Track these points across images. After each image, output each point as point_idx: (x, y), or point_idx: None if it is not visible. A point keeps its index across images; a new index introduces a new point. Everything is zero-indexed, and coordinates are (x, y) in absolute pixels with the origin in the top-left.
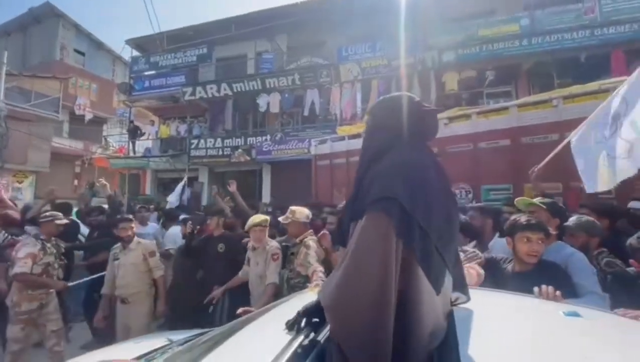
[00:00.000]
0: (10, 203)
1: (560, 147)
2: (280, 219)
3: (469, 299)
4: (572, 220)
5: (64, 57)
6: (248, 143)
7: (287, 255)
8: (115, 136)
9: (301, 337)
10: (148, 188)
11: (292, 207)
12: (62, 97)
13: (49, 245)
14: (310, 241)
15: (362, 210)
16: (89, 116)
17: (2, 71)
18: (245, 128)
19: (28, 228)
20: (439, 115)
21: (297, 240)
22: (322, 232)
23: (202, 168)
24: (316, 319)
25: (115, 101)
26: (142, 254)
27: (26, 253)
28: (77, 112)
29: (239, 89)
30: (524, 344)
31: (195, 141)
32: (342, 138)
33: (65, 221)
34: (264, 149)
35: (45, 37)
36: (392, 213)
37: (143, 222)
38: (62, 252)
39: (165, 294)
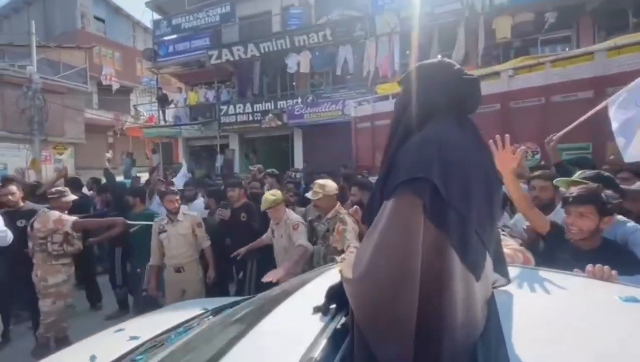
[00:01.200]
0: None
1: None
2: (308, 195)
3: (508, 281)
4: (637, 185)
5: (85, 25)
6: (279, 107)
7: (317, 230)
8: (145, 105)
9: (332, 324)
10: (180, 156)
11: (320, 181)
12: (88, 67)
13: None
14: (346, 216)
15: (391, 189)
16: (115, 86)
17: (33, 42)
18: (274, 91)
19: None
20: (503, 67)
21: (330, 215)
22: (354, 208)
23: (233, 135)
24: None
25: (139, 69)
26: (190, 225)
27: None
28: (104, 82)
29: (266, 49)
30: (572, 337)
31: (224, 107)
32: (385, 97)
33: (73, 198)
34: (296, 113)
35: (65, 5)
36: (423, 195)
37: (190, 198)
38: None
39: (213, 262)
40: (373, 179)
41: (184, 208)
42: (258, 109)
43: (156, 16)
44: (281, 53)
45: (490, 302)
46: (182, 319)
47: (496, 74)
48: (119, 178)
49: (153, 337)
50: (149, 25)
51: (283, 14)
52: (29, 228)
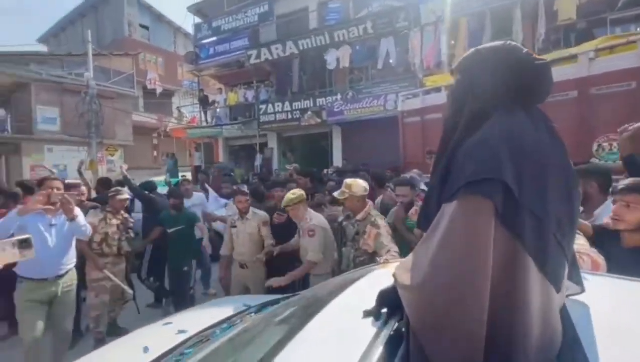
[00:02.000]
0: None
1: None
2: (335, 194)
3: (583, 290)
4: None
5: (132, 33)
6: (317, 104)
7: (346, 231)
8: (187, 107)
9: (385, 330)
10: (221, 156)
11: (348, 180)
12: (135, 73)
13: (110, 216)
14: (378, 218)
15: (453, 191)
16: (159, 90)
17: (89, 51)
18: (313, 89)
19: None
20: (580, 48)
21: (359, 217)
22: (414, 208)
23: (271, 134)
24: (394, 306)
25: (180, 73)
26: (257, 224)
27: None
28: (149, 86)
29: (305, 46)
30: None
31: (263, 106)
32: (437, 89)
33: (126, 196)
34: (335, 110)
35: (114, 15)
36: (494, 197)
37: (187, 194)
38: (129, 226)
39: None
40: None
41: (199, 203)
42: (297, 107)
43: (197, 20)
44: (320, 49)
45: (564, 314)
46: (225, 315)
47: (572, 57)
48: (160, 178)
49: (199, 332)
50: (190, 29)
51: (320, 10)
52: None
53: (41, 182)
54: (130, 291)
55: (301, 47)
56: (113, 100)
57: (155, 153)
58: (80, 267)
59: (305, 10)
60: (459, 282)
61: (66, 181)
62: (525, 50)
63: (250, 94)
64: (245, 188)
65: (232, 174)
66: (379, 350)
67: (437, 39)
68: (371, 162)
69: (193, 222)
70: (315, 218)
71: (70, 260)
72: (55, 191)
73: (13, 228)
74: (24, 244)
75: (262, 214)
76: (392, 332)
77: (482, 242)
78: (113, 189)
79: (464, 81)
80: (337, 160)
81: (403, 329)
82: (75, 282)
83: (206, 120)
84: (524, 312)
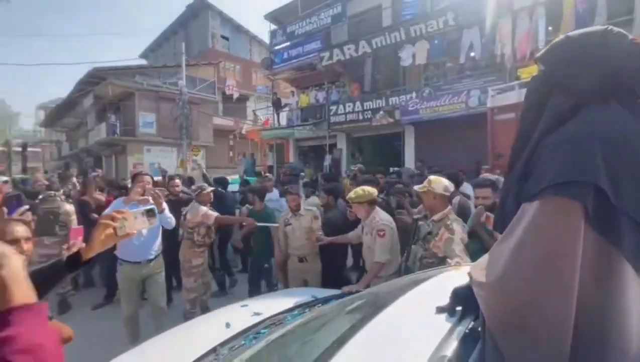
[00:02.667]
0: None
1: None
2: (416, 187)
3: None
4: None
5: (214, 44)
6: (390, 104)
7: (420, 230)
8: (262, 110)
9: (460, 327)
10: (291, 156)
11: (432, 176)
12: (216, 80)
13: (206, 209)
14: (455, 224)
15: (536, 191)
16: (236, 95)
17: (183, 61)
18: (385, 88)
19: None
20: None
21: (436, 217)
22: (484, 214)
23: (340, 134)
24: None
25: (254, 78)
26: (310, 218)
27: (193, 215)
28: (227, 92)
29: (378, 44)
30: None
31: (333, 107)
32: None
33: (211, 189)
34: (409, 108)
35: (200, 29)
36: (584, 199)
37: (269, 189)
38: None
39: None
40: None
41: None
42: (368, 107)
43: (273, 27)
44: (394, 47)
45: None
46: (294, 304)
47: None
48: (234, 176)
49: (273, 316)
50: (265, 36)
51: (395, 6)
52: (182, 217)
53: (134, 177)
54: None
55: (374, 46)
56: (198, 106)
57: (231, 153)
58: (173, 254)
59: (378, 8)
60: (541, 284)
61: (155, 178)
62: (630, 37)
63: (321, 96)
64: (295, 188)
65: (302, 173)
66: (452, 347)
67: (534, 25)
68: (447, 163)
69: (272, 221)
70: (383, 218)
71: (158, 247)
72: (146, 184)
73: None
74: (150, 213)
75: (314, 209)
76: (467, 331)
77: (568, 245)
78: (197, 186)
79: (549, 72)
80: (410, 161)
81: (479, 329)
82: (163, 267)
83: (278, 122)
84: (620, 323)
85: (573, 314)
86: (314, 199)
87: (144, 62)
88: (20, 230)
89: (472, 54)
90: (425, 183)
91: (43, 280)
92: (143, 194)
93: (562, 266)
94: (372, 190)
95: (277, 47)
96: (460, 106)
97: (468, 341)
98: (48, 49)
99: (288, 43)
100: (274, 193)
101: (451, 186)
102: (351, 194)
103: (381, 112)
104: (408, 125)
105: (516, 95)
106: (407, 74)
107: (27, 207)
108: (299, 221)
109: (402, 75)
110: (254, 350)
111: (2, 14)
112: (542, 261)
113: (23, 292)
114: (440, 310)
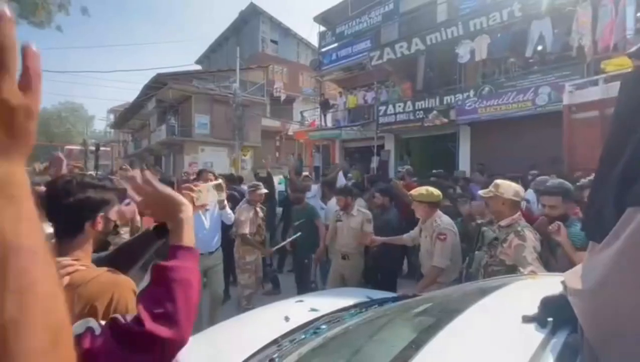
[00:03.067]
0: None
1: None
2: (480, 192)
3: None
4: None
5: (264, 48)
6: (444, 103)
7: (484, 235)
8: (308, 111)
9: (554, 339)
10: (337, 157)
11: (498, 181)
12: (265, 83)
13: (258, 209)
14: (527, 231)
15: None
16: (283, 97)
17: (237, 65)
18: (438, 87)
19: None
20: None
21: (504, 223)
22: (555, 224)
23: (388, 135)
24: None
25: (301, 81)
26: (361, 220)
27: (245, 217)
28: (275, 94)
29: (433, 41)
30: None
31: (382, 108)
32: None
33: (264, 191)
34: (467, 108)
35: (251, 34)
36: None
37: (307, 188)
38: (263, 217)
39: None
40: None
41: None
42: (420, 107)
43: (322, 29)
44: (451, 43)
45: None
46: (350, 303)
47: None
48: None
49: (331, 313)
50: (313, 39)
51: (451, 1)
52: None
53: (199, 173)
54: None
55: (428, 43)
56: (248, 108)
57: (277, 154)
58: (228, 251)
59: (432, 4)
60: None
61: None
62: None
63: (370, 96)
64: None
65: (349, 175)
66: (548, 360)
67: (620, 13)
68: (507, 167)
69: (314, 216)
70: (445, 221)
71: (218, 241)
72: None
73: None
74: (219, 187)
75: (366, 212)
76: (562, 343)
77: None
78: (252, 183)
79: None
80: (464, 164)
81: (576, 341)
82: (221, 260)
83: (325, 123)
84: None
85: None
86: (359, 201)
87: (199, 67)
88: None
89: (540, 48)
90: (491, 188)
91: (138, 247)
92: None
93: None
94: (436, 192)
95: (325, 48)
96: (526, 105)
97: (565, 354)
98: (115, 58)
99: (337, 44)
100: (312, 191)
101: (522, 191)
102: (414, 192)
103: (434, 112)
104: (464, 125)
105: (600, 91)
106: (464, 72)
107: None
108: (349, 221)
109: (459, 72)
110: (314, 344)
111: (78, 28)
112: None
113: (190, 236)
114: (528, 320)
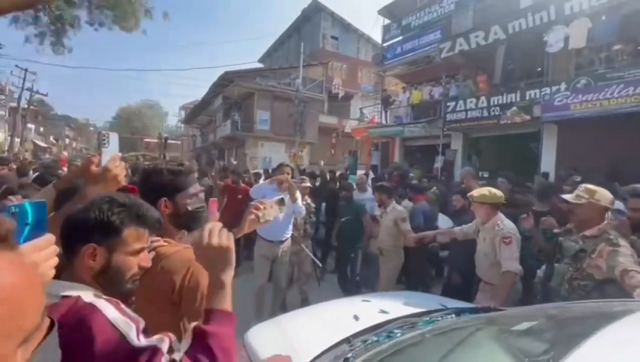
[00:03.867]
0: None
1: None
2: (567, 197)
3: None
4: None
5: (325, 45)
6: (527, 98)
7: (563, 246)
8: (368, 108)
9: None
10: (396, 156)
11: (588, 186)
12: (324, 79)
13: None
14: (620, 239)
15: None
16: (341, 94)
17: (301, 61)
18: (519, 80)
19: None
20: None
21: (589, 233)
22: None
23: (456, 134)
24: None
25: (360, 77)
26: (394, 218)
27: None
28: (334, 91)
29: (516, 29)
30: None
31: (451, 104)
32: None
33: (308, 184)
34: (556, 103)
35: (312, 31)
36: None
37: (362, 188)
38: (312, 211)
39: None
40: None
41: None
42: (496, 103)
43: (386, 22)
44: (537, 30)
45: None
46: (421, 308)
47: None
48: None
49: (403, 317)
50: (375, 33)
51: None
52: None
53: (279, 167)
54: (319, 264)
55: (510, 31)
56: (307, 104)
57: (333, 151)
58: None
59: None
60: None
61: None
62: None
63: (437, 91)
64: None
65: (411, 175)
66: None
67: None
68: (603, 171)
69: (360, 213)
70: (509, 226)
71: (289, 231)
72: (286, 175)
73: (262, 195)
74: (281, 202)
75: (401, 210)
76: None
77: None
78: (300, 177)
79: None
80: (548, 166)
81: None
82: (289, 251)
83: (386, 120)
84: None
85: None
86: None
87: (261, 66)
88: None
89: None
90: (582, 193)
91: None
92: (282, 182)
93: None
94: (499, 193)
95: (390, 42)
96: (635, 99)
97: None
98: (184, 57)
99: (402, 37)
100: (368, 192)
101: (615, 201)
102: (475, 193)
103: (514, 108)
104: (549, 123)
105: None
106: (552, 63)
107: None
108: (385, 218)
109: (545, 64)
110: (389, 348)
111: (152, 31)
112: None
113: (229, 301)
114: None
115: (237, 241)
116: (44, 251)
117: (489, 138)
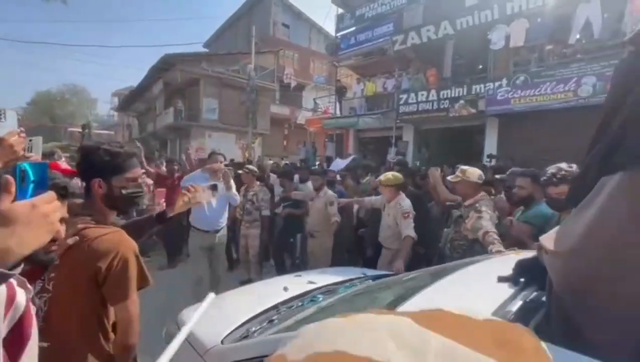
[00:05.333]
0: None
1: None
2: (449, 177)
3: None
4: None
5: (275, 32)
6: (473, 92)
7: (452, 215)
8: (324, 98)
9: (525, 292)
10: (351, 147)
11: (463, 166)
12: (276, 68)
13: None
14: (484, 206)
15: (622, 163)
16: (293, 84)
17: (252, 45)
18: (466, 75)
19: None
20: None
21: (467, 202)
22: (508, 220)
23: (407, 126)
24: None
25: (312, 68)
26: (324, 202)
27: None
28: (285, 80)
29: (464, 25)
30: None
31: (403, 96)
32: None
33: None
34: (499, 98)
35: (262, 16)
36: None
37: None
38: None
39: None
40: None
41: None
42: (445, 96)
43: (340, 11)
44: (483, 27)
45: None
46: (346, 278)
47: None
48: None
49: (327, 285)
50: (329, 23)
51: None
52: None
53: (210, 155)
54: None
55: (459, 27)
56: (259, 94)
57: (285, 142)
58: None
59: None
60: (626, 252)
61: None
62: None
63: (390, 83)
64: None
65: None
66: (517, 305)
67: None
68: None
69: (299, 200)
70: (406, 202)
71: (224, 220)
72: (219, 163)
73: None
74: (214, 188)
75: (330, 194)
76: (532, 295)
77: None
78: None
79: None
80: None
81: (543, 295)
82: (225, 239)
83: (340, 111)
84: None
85: None
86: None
87: (207, 50)
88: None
89: (577, 37)
90: (458, 173)
91: (140, 228)
92: (215, 170)
93: None
94: (400, 176)
95: (343, 32)
96: (567, 95)
97: (533, 302)
98: (121, 37)
99: (354, 28)
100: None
101: (482, 175)
102: (382, 177)
103: (461, 102)
104: (492, 117)
105: None
106: (494, 60)
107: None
108: (315, 201)
109: (490, 60)
110: (310, 310)
111: (85, 3)
112: (622, 230)
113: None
114: (503, 279)
115: (178, 232)
116: (51, 203)
117: (437, 130)
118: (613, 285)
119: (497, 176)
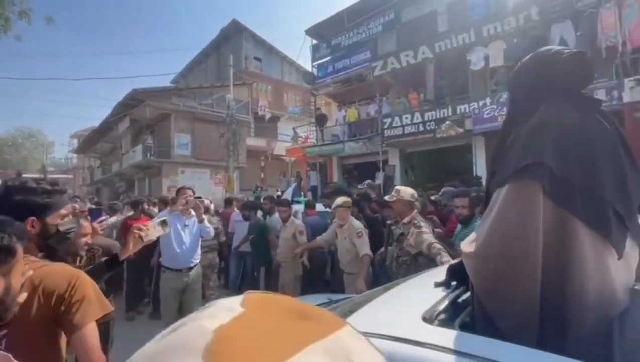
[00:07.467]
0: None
1: None
2: (386, 197)
3: None
4: None
5: (247, 65)
6: (458, 112)
7: (393, 233)
8: (303, 127)
9: (452, 294)
10: (334, 175)
11: (398, 186)
12: (250, 101)
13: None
14: (422, 222)
15: (505, 177)
16: (268, 116)
17: (230, 75)
18: (449, 96)
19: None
20: None
21: (406, 220)
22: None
23: (392, 150)
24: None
25: (286, 99)
26: (293, 231)
27: None
28: (260, 112)
29: (442, 48)
30: None
31: (388, 120)
32: None
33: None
34: (485, 116)
35: (233, 51)
36: (541, 178)
37: (271, 212)
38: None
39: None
40: None
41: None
42: (430, 118)
43: (314, 42)
44: (462, 49)
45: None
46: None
47: None
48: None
49: None
50: (304, 53)
51: (452, 11)
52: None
53: (179, 191)
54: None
55: (437, 50)
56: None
57: (262, 175)
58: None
59: (433, 14)
60: (507, 252)
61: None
62: (555, 48)
63: (372, 109)
64: (285, 202)
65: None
66: (444, 304)
67: None
68: None
69: (265, 231)
70: (356, 222)
71: (198, 256)
72: (189, 197)
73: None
74: (164, 223)
75: (299, 223)
76: (458, 296)
77: (531, 221)
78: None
79: (515, 82)
80: (483, 174)
81: (469, 294)
82: (200, 277)
83: (322, 139)
84: (576, 269)
85: (539, 271)
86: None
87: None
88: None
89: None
90: (394, 193)
91: (92, 276)
92: (186, 205)
93: (529, 237)
94: (347, 198)
95: (319, 61)
96: None
97: (459, 302)
98: (86, 71)
99: (329, 57)
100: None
101: (416, 193)
102: (339, 200)
103: (447, 122)
104: (478, 136)
105: None
106: (474, 80)
107: (106, 217)
108: (283, 231)
109: (471, 80)
110: None
111: (46, 37)
112: (513, 236)
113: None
114: (437, 284)
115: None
116: None
117: (422, 152)
118: (506, 283)
119: (432, 197)
